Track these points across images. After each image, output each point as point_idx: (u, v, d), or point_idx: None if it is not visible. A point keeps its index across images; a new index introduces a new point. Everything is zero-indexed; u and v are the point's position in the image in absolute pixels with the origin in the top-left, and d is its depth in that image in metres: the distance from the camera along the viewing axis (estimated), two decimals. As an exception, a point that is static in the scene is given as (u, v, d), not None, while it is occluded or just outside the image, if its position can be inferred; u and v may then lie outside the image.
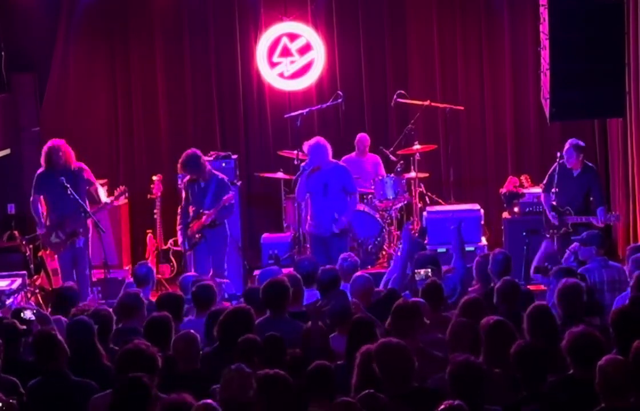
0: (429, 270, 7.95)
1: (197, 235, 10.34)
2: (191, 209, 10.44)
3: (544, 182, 10.75)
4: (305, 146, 10.74)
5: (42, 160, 10.36)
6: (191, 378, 6.08)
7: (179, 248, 11.31)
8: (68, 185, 10.03)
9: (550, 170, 10.60)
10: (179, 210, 10.63)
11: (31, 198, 10.40)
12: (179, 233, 10.63)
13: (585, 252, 8.73)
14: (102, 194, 10.67)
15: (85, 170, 10.48)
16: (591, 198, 10.47)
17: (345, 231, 10.73)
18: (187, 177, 10.49)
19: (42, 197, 10.35)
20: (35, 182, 10.39)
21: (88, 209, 10.18)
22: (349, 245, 10.93)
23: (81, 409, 5.93)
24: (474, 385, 5.35)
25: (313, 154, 10.55)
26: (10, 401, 5.60)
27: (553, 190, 10.43)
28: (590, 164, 10.61)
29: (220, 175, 10.51)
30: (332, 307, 7.23)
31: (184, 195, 10.54)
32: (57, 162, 10.22)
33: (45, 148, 10.37)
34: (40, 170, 10.41)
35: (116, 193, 10.77)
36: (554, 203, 10.47)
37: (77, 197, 10.05)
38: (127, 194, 10.97)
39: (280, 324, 6.98)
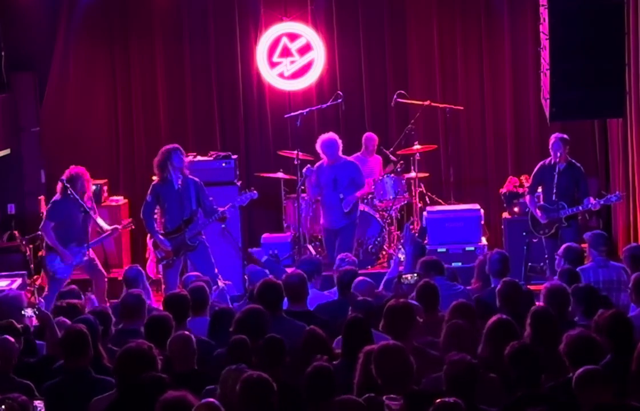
0: (416, 274, 7.97)
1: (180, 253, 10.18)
2: (160, 216, 10.26)
3: (529, 183, 10.82)
4: (319, 141, 11.09)
5: (61, 188, 9.98)
6: (188, 379, 6.07)
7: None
8: (68, 185, 9.99)
9: (535, 171, 10.63)
10: (144, 218, 10.26)
11: (42, 225, 10.07)
12: (158, 238, 10.17)
13: (590, 251, 8.75)
14: (101, 222, 10.43)
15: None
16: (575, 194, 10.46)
17: (355, 222, 11.09)
18: (156, 180, 10.27)
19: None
20: (55, 210, 10.04)
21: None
22: (355, 239, 11.16)
23: None
24: (469, 384, 5.36)
25: (326, 149, 11.01)
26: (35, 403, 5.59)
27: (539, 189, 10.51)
28: (572, 160, 10.59)
29: (195, 178, 10.27)
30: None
31: (149, 199, 10.21)
32: (81, 190, 10.00)
33: (70, 174, 10.03)
34: (57, 198, 10.07)
35: (124, 223, 10.65)
36: (542, 203, 10.50)
37: (77, 197, 10.03)
38: (132, 226, 10.86)
39: (277, 323, 6.98)
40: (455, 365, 5.42)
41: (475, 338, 6.24)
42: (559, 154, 10.29)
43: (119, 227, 10.59)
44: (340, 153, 11.10)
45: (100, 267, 10.32)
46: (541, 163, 10.62)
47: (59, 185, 10.12)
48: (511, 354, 5.63)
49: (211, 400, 5.15)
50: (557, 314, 6.76)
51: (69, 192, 9.97)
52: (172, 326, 6.69)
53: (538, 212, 10.46)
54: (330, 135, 11.14)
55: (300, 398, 5.55)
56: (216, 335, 7.02)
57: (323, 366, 5.65)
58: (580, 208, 10.28)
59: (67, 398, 6.03)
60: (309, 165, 11.41)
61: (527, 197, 10.77)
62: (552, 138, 10.43)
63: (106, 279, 10.35)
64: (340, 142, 11.09)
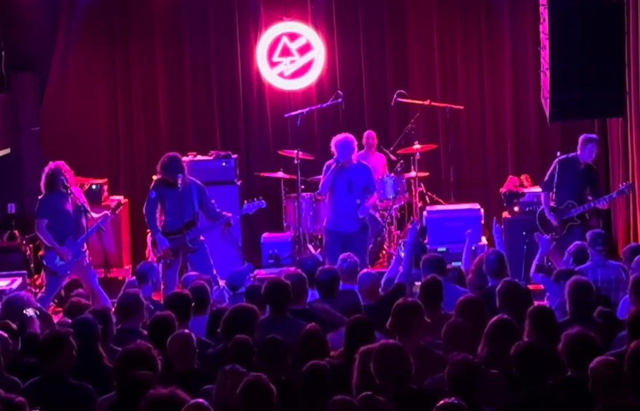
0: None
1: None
2: (160, 215, 10.19)
3: (546, 179, 10.60)
4: (333, 141, 10.65)
5: (45, 184, 9.99)
6: (187, 378, 6.07)
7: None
8: (69, 186, 10.00)
9: (556, 167, 10.47)
10: (147, 214, 10.19)
11: (37, 222, 10.02)
12: (157, 237, 10.13)
13: (589, 251, 8.75)
14: (97, 216, 10.42)
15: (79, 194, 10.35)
16: (589, 196, 10.43)
17: (366, 226, 10.71)
18: (159, 177, 10.21)
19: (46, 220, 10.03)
20: (42, 206, 10.02)
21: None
22: (369, 243, 10.93)
23: None
24: (471, 384, 5.35)
25: (341, 150, 10.54)
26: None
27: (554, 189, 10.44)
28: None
29: (197, 181, 10.24)
30: (342, 304, 7.26)
31: (153, 195, 10.16)
32: (63, 184, 9.94)
33: (50, 170, 10.03)
34: (43, 195, 10.05)
35: (112, 205, 10.62)
36: (552, 203, 10.45)
37: (75, 195, 10.04)
38: (122, 206, 10.78)
39: (282, 323, 7.00)
40: (456, 364, 5.42)
41: (477, 336, 6.24)
42: (593, 156, 10.29)
43: (108, 212, 10.50)
44: (354, 155, 10.64)
45: (92, 268, 10.26)
46: (561, 159, 10.47)
47: (42, 182, 10.08)
48: (517, 353, 5.63)
49: (200, 400, 5.14)
50: (578, 310, 6.81)
51: (52, 186, 9.97)
52: (175, 327, 6.68)
53: (550, 214, 10.38)
54: (345, 135, 10.66)
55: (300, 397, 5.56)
56: (215, 335, 7.02)
57: (319, 365, 5.65)
58: (592, 204, 10.26)
59: (41, 401, 5.97)
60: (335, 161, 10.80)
61: (542, 194, 10.58)
62: (585, 140, 10.32)
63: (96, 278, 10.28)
64: (355, 143, 10.63)
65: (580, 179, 10.34)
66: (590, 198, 10.36)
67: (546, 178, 10.62)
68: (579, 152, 10.37)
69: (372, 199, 10.77)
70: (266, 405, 5.22)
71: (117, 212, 10.73)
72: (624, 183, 10.58)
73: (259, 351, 6.06)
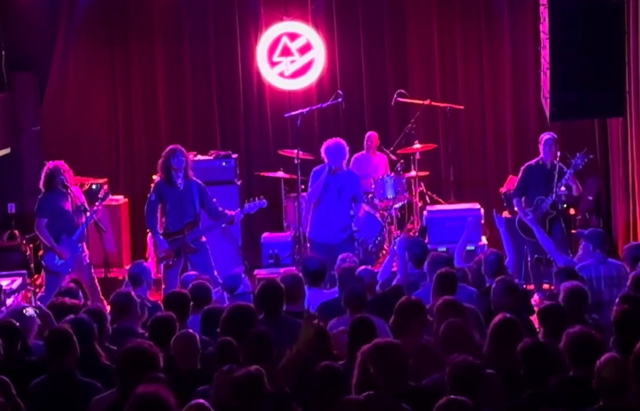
0: None
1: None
2: (161, 216, 10.17)
3: (516, 186, 10.63)
4: (324, 146, 10.45)
5: (44, 183, 10.01)
6: (190, 378, 6.08)
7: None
8: (68, 185, 10.01)
9: (524, 173, 10.54)
10: (146, 216, 10.17)
11: (37, 221, 10.02)
12: (157, 239, 10.12)
13: (585, 247, 8.75)
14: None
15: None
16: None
17: (353, 238, 10.54)
18: (159, 178, 10.19)
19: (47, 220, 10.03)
20: (42, 205, 10.03)
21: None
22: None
23: (85, 409, 5.93)
24: (472, 385, 5.33)
25: (333, 156, 10.32)
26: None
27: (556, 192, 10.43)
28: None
29: (198, 180, 10.18)
30: (348, 289, 7.32)
31: (153, 197, 10.13)
32: (62, 184, 9.94)
33: (49, 170, 10.03)
34: (42, 194, 10.07)
35: (101, 195, 10.61)
36: (524, 208, 10.43)
37: (74, 194, 10.04)
38: (109, 193, 10.75)
39: (275, 324, 6.97)
40: (457, 365, 5.40)
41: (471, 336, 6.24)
42: (558, 154, 10.31)
43: (97, 202, 10.38)
44: (345, 161, 10.45)
45: (92, 269, 10.25)
46: (528, 165, 10.57)
47: (41, 182, 10.08)
48: (524, 351, 5.63)
49: (201, 400, 5.13)
50: (575, 313, 6.80)
51: (51, 185, 9.97)
52: (175, 327, 6.67)
53: (526, 216, 10.36)
54: (336, 140, 10.47)
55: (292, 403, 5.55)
56: (208, 332, 7.02)
57: (331, 366, 5.62)
58: (560, 186, 10.21)
59: (51, 398, 6.00)
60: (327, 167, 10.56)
61: (515, 201, 10.54)
62: (548, 139, 10.41)
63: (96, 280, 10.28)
64: (347, 149, 10.43)
65: (550, 180, 10.33)
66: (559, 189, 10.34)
67: (516, 185, 10.66)
68: (542, 154, 10.41)
69: (362, 211, 10.62)
70: (257, 396, 5.22)
71: (105, 201, 10.57)
72: (579, 155, 10.44)
73: (244, 347, 6.04)
